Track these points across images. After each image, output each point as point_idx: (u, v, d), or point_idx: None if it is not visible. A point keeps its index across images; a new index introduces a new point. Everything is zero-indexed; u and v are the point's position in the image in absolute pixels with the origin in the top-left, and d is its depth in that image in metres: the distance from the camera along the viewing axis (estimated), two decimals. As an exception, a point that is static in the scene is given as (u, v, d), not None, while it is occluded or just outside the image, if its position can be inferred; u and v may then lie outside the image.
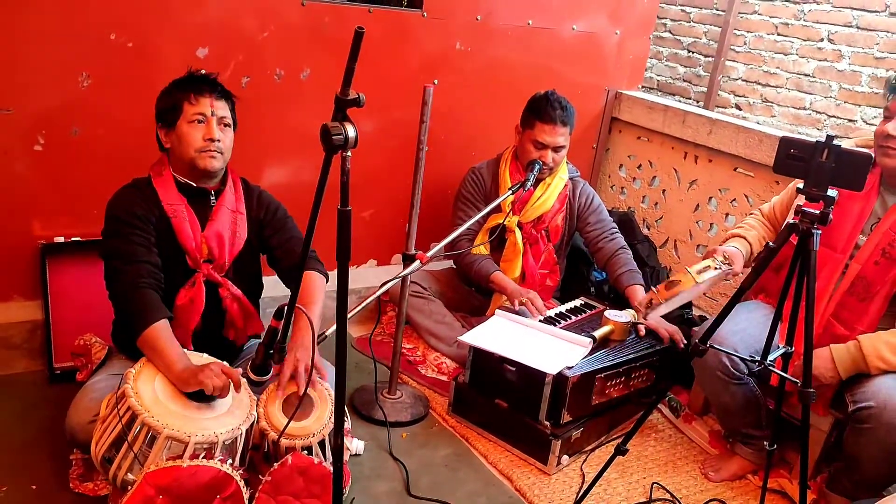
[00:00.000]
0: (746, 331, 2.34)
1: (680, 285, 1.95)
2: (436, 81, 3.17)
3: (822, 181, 1.66)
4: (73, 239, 2.57)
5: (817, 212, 1.68)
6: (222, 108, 2.13)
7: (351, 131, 1.33)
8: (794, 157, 1.70)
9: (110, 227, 2.08)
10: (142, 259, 2.03)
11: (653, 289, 2.04)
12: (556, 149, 2.89)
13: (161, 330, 1.97)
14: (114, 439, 1.83)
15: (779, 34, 4.94)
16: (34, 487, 2.05)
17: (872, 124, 4.44)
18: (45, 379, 2.54)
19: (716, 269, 2.00)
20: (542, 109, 2.87)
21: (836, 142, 1.64)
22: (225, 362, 2.04)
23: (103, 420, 1.88)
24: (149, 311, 1.98)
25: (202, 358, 2.05)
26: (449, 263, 3.31)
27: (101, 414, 1.90)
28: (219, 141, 2.10)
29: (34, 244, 2.53)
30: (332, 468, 1.87)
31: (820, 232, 1.70)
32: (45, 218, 2.55)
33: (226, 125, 2.14)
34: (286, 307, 1.70)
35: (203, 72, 2.19)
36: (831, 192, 1.67)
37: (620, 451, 2.01)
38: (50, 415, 2.32)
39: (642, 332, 2.72)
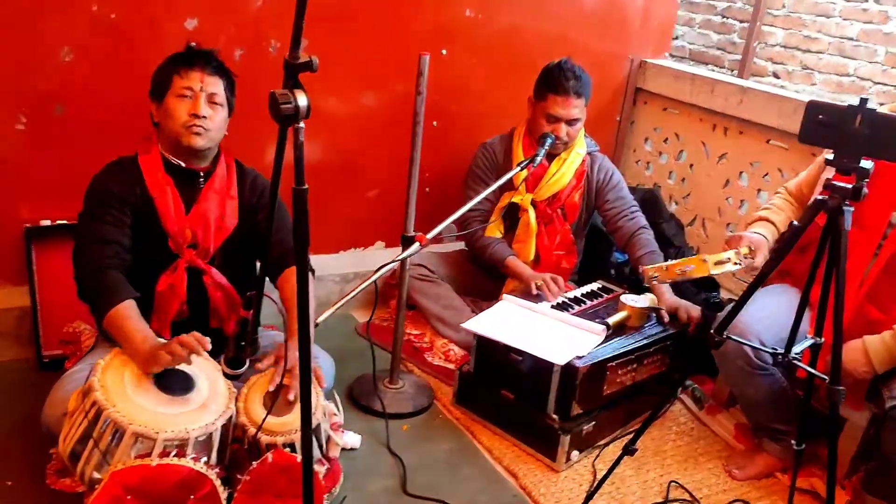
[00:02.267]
0: (773, 317, 2.13)
1: (691, 272, 1.79)
2: (444, 51, 2.99)
3: (855, 151, 1.46)
4: (59, 222, 2.47)
5: (849, 186, 1.47)
6: (213, 85, 2.01)
7: (302, 100, 1.18)
8: (823, 124, 1.49)
9: (85, 207, 2.00)
10: (109, 239, 1.93)
11: (663, 264, 1.89)
12: (571, 122, 2.70)
13: (127, 310, 1.86)
14: (81, 435, 1.72)
15: (820, -4, 4.63)
16: (10, 483, 1.96)
17: (921, 91, 4.14)
18: (33, 367, 2.46)
19: (736, 263, 1.85)
20: (555, 80, 2.68)
21: (870, 105, 1.43)
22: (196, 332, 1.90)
23: (71, 414, 1.77)
24: (113, 291, 1.88)
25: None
26: (459, 245, 3.15)
27: (69, 408, 1.79)
28: (205, 118, 1.98)
29: (19, 228, 2.43)
30: (318, 466, 1.75)
31: (852, 209, 1.49)
32: (30, 201, 2.45)
33: (215, 103, 2.02)
34: (254, 296, 1.56)
35: (197, 45, 2.06)
36: (865, 164, 1.46)
37: (629, 451, 1.84)
38: (37, 405, 2.19)
39: (666, 318, 2.52)
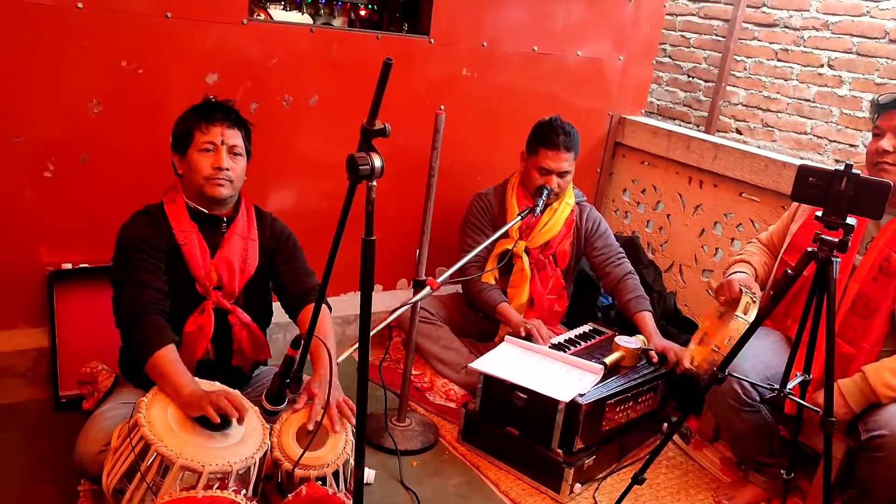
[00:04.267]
0: (758, 357, 2.33)
1: (739, 332, 1.94)
2: (442, 107, 3.16)
3: (841, 209, 1.67)
4: (80, 266, 2.55)
5: (836, 240, 1.68)
6: (233, 137, 2.13)
7: (377, 161, 1.34)
8: (813, 186, 1.70)
9: (119, 254, 2.08)
10: (149, 285, 2.02)
11: (713, 348, 2.02)
12: (561, 174, 2.89)
13: (169, 354, 1.96)
14: (126, 470, 1.80)
15: (779, 60, 4.98)
16: (39, 521, 2.02)
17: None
18: (50, 407, 2.51)
19: (754, 301, 2.03)
20: (546, 136, 2.87)
21: (854, 170, 1.65)
22: (237, 392, 2.03)
23: (115, 450, 1.85)
24: (156, 336, 1.97)
25: (213, 385, 2.03)
26: (455, 288, 3.30)
27: (112, 444, 1.87)
28: (227, 170, 2.10)
29: (42, 271, 2.51)
30: (346, 499, 1.86)
31: (839, 260, 1.70)
32: (53, 245, 2.53)
33: (236, 154, 2.14)
34: (303, 337, 1.68)
35: (215, 98, 2.19)
36: (850, 221, 1.67)
37: (638, 480, 1.99)
38: (56, 445, 2.29)
39: (655, 358, 2.70)
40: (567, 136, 2.88)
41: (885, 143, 2.17)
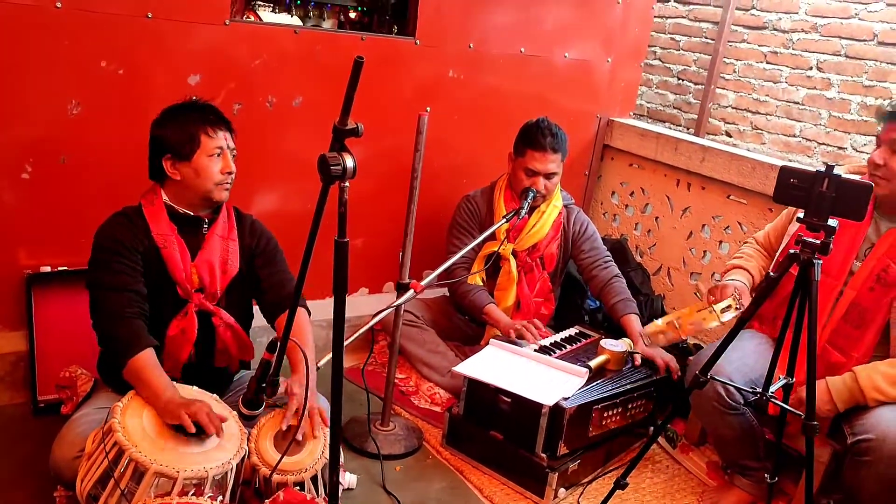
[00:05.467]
0: (742, 360, 2.31)
1: (704, 322, 1.93)
2: (428, 109, 3.15)
3: (823, 211, 1.65)
4: (59, 269, 2.52)
5: (818, 241, 1.66)
6: (232, 140, 2.13)
7: (349, 161, 1.31)
8: (795, 187, 1.69)
9: (96, 257, 2.04)
10: (127, 288, 1.99)
11: (675, 323, 2.01)
12: (548, 175, 2.87)
13: (147, 359, 1.93)
14: (100, 476, 1.77)
15: (768, 62, 4.97)
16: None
17: (862, 152, 4.46)
18: (28, 412, 2.48)
19: (737, 308, 2.02)
20: (534, 137, 2.86)
21: (835, 171, 1.63)
22: (216, 396, 2.00)
23: (89, 456, 1.82)
24: (134, 340, 1.94)
25: (191, 391, 2.00)
26: (442, 291, 3.27)
27: (87, 449, 1.85)
28: (232, 173, 2.10)
29: (20, 274, 2.48)
30: (325, 504, 1.84)
31: (821, 262, 1.68)
32: (32, 247, 2.50)
33: (234, 156, 2.14)
34: (279, 340, 1.66)
35: (199, 100, 2.16)
36: (832, 222, 1.65)
37: (620, 485, 1.97)
38: (33, 450, 2.26)
39: (638, 361, 2.68)
40: (554, 137, 2.86)
41: (877, 156, 2.14)
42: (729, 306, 2.00)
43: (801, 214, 1.69)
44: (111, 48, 2.43)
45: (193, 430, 1.81)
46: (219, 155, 2.07)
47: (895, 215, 2.21)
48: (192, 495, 1.75)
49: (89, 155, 2.50)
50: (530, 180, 2.86)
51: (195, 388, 2.02)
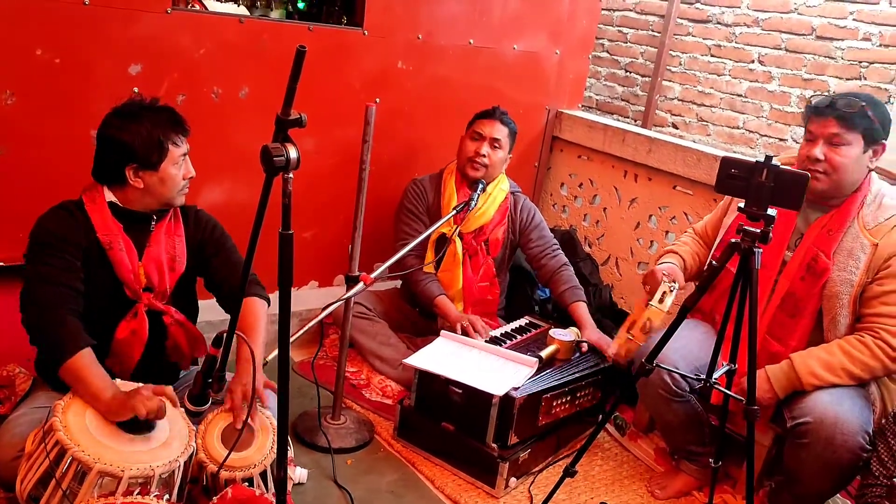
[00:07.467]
0: (686, 347, 2.35)
1: (652, 322, 1.95)
2: (377, 100, 3.14)
3: (762, 200, 1.69)
4: (-4, 264, 2.45)
5: (758, 230, 1.70)
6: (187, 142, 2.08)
7: (293, 153, 1.29)
8: (735, 177, 1.73)
9: (33, 248, 1.96)
10: (62, 283, 1.91)
11: (628, 336, 2.01)
12: (493, 142, 2.90)
13: (85, 358, 1.86)
14: (41, 476, 1.72)
15: (712, 55, 5.07)
16: (-48, 533, 1.92)
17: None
18: (-35, 413, 2.40)
19: (671, 290, 2.03)
20: (484, 111, 2.98)
21: (774, 162, 1.67)
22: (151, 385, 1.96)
23: (29, 456, 1.77)
24: (71, 339, 1.86)
25: (130, 386, 1.95)
26: (393, 284, 3.27)
27: (26, 449, 1.79)
28: (193, 177, 2.09)
29: (-46, 270, 2.40)
30: (274, 499, 1.82)
31: (761, 250, 1.72)
32: (-33, 242, 2.41)
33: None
34: (225, 334, 1.64)
35: (144, 98, 2.08)
36: (771, 212, 1.69)
37: (569, 472, 2.00)
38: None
39: (584, 348, 2.72)
40: (504, 114, 2.97)
41: (818, 152, 2.18)
42: (664, 293, 2.02)
43: (741, 204, 1.72)
44: (47, 36, 2.36)
45: (150, 416, 1.79)
46: (182, 163, 2.03)
47: (821, 205, 2.26)
48: (138, 495, 1.71)
49: (26, 147, 2.42)
50: (475, 144, 2.91)
51: (137, 383, 1.97)
